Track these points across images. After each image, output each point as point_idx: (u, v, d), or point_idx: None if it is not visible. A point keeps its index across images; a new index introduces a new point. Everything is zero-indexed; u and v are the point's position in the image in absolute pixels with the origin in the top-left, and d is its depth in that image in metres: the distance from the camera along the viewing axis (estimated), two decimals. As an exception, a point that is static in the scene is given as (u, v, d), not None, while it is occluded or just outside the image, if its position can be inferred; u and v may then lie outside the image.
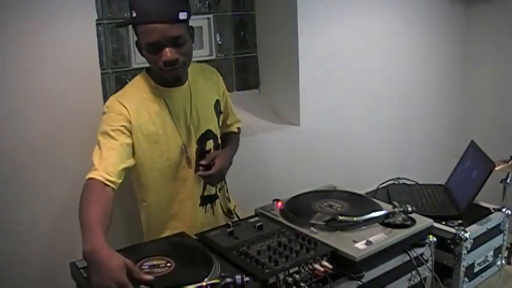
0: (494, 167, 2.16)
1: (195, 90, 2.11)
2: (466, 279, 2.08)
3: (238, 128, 2.44)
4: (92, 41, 2.25)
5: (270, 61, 3.16)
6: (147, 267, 1.60)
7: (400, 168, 2.75)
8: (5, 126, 2.08)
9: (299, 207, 2.06)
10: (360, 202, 2.10)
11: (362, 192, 2.29)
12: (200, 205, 2.17)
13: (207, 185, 2.16)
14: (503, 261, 2.31)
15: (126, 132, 1.94)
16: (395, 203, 1.96)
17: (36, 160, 2.16)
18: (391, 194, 2.38)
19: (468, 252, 2.04)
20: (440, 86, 3.89)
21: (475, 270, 2.15)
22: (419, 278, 1.92)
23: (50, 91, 2.15)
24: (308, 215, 1.95)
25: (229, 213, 2.32)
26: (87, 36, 2.23)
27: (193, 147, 2.11)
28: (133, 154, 1.97)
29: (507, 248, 2.37)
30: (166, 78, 1.98)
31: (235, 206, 2.37)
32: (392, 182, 2.53)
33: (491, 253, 2.22)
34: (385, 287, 1.84)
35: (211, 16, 2.97)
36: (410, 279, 1.91)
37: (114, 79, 2.70)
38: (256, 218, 2.00)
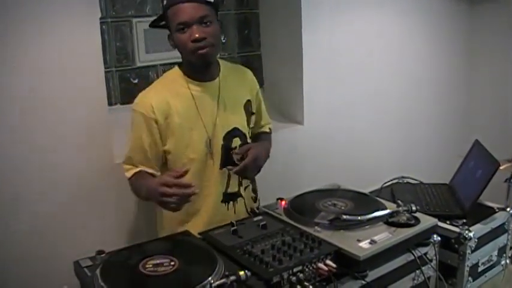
0: (499, 166, 2.15)
1: (224, 87, 2.17)
2: (470, 278, 2.08)
3: (270, 129, 2.48)
4: (96, 39, 2.25)
5: (274, 60, 3.16)
6: (150, 265, 1.59)
7: (404, 167, 2.75)
8: (6, 125, 2.08)
9: (303, 206, 2.06)
10: (364, 201, 2.09)
11: (366, 191, 2.28)
12: (222, 202, 2.19)
13: (231, 183, 2.19)
14: (508, 261, 2.30)
15: (155, 134, 2.06)
16: (399, 202, 1.95)
17: (37, 159, 2.15)
18: (395, 193, 2.37)
19: (472, 251, 2.03)
20: (445, 85, 3.88)
21: (479, 269, 2.14)
22: (423, 278, 1.92)
23: (53, 89, 2.15)
24: (312, 214, 1.95)
25: (252, 213, 2.29)
26: (91, 34, 2.23)
27: (219, 143, 2.14)
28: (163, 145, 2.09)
29: (511, 248, 2.36)
30: (197, 63, 2.05)
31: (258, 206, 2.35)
32: (396, 181, 2.52)
33: (496, 252, 2.22)
34: (389, 286, 1.83)
35: (214, 14, 2.96)
36: (414, 279, 1.91)
37: (118, 77, 2.71)
38: (260, 217, 2.00)
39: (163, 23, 2.11)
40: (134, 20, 2.70)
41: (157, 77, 2.81)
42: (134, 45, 2.71)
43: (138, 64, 2.75)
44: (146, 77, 2.80)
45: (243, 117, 2.23)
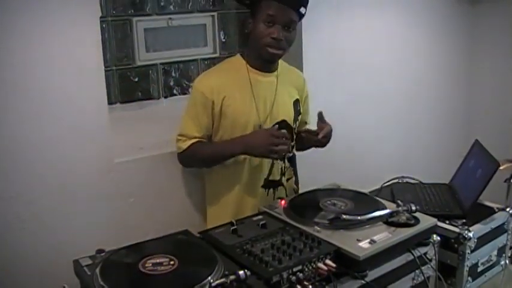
0: (499, 166, 2.15)
1: (280, 82, 2.32)
2: (469, 278, 2.08)
3: None
4: (96, 38, 2.25)
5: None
6: (150, 265, 1.60)
7: (404, 166, 2.75)
8: (6, 124, 2.08)
9: (303, 205, 2.06)
10: (363, 201, 2.09)
11: (366, 190, 2.28)
12: (262, 187, 2.31)
13: (273, 170, 2.32)
14: (507, 261, 2.31)
15: (209, 114, 2.21)
16: (399, 202, 1.95)
17: (39, 157, 2.15)
18: (395, 192, 2.37)
19: (472, 251, 2.04)
20: (445, 85, 3.88)
21: (479, 269, 2.15)
22: (423, 277, 1.92)
23: (53, 88, 2.15)
24: (312, 214, 1.95)
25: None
26: (91, 33, 2.22)
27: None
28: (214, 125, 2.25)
29: (511, 248, 2.36)
30: (264, 56, 2.22)
31: None
32: (396, 180, 2.52)
33: (495, 252, 2.22)
34: (389, 286, 1.83)
35: (215, 14, 2.96)
36: (414, 279, 1.91)
37: (118, 76, 2.70)
38: (260, 216, 2.00)
39: (248, 1, 2.31)
40: (134, 19, 2.69)
41: (158, 76, 2.81)
42: (134, 44, 2.71)
43: (138, 63, 2.74)
44: (146, 76, 2.79)
45: (291, 112, 2.36)
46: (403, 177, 2.54)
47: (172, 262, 1.61)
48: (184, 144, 2.24)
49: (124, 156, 2.37)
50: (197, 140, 2.23)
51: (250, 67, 2.27)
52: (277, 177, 2.34)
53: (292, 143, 2.37)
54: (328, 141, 2.30)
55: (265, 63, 2.27)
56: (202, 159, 2.28)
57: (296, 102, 2.39)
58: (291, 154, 2.38)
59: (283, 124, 2.30)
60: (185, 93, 2.84)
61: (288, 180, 2.40)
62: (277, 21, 2.14)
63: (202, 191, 2.48)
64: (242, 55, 2.33)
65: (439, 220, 1.99)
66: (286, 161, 2.36)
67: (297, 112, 2.40)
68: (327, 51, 3.08)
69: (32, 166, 2.15)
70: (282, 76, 2.33)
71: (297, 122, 2.42)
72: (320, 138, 2.22)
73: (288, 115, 2.34)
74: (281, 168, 2.35)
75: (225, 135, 2.24)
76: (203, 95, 2.20)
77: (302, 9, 2.20)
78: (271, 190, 2.33)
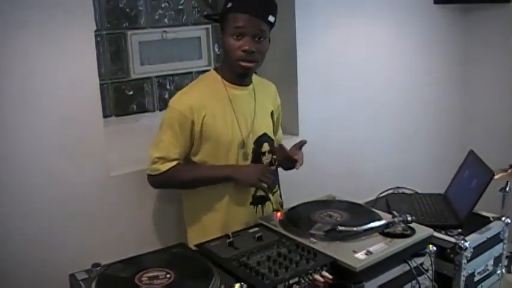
0: (494, 175, 2.16)
1: (257, 94, 2.28)
2: (466, 288, 2.08)
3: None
4: (91, 52, 2.25)
5: (268, 71, 3.16)
6: (146, 278, 1.59)
7: (399, 177, 2.75)
8: (3, 136, 2.08)
9: (298, 217, 2.06)
10: (359, 212, 2.09)
11: (361, 201, 2.28)
12: (251, 204, 2.25)
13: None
14: (504, 270, 2.31)
15: (188, 133, 2.13)
16: (394, 212, 1.95)
17: (32, 172, 2.15)
18: (390, 203, 2.37)
19: (468, 261, 2.03)
20: (439, 94, 3.89)
21: (475, 279, 2.14)
22: (419, 288, 1.92)
23: (48, 101, 2.15)
24: (308, 225, 1.95)
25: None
26: (86, 47, 2.23)
27: (251, 146, 2.23)
28: (193, 145, 2.17)
29: (507, 257, 2.36)
30: (237, 71, 2.15)
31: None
32: (391, 191, 2.52)
33: (491, 262, 2.22)
34: (386, 297, 1.83)
35: (209, 26, 2.98)
36: (410, 289, 1.91)
37: (113, 89, 2.71)
38: (256, 229, 2.00)
39: (216, 17, 2.24)
40: (129, 32, 2.70)
41: (153, 89, 2.82)
42: (129, 57, 2.72)
43: (133, 76, 2.75)
44: (141, 89, 2.80)
45: (270, 123, 2.34)
46: (398, 187, 2.54)
47: (168, 275, 1.60)
48: (164, 167, 2.13)
49: (119, 169, 2.37)
50: (177, 162, 2.15)
51: (226, 82, 2.20)
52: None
53: (274, 156, 2.34)
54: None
55: (240, 77, 2.20)
56: (182, 182, 2.20)
57: (272, 114, 2.37)
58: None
59: (265, 137, 2.27)
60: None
61: (273, 193, 2.34)
62: (246, 33, 2.08)
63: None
64: (216, 70, 2.25)
65: (435, 230, 1.99)
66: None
67: (272, 123, 2.37)
68: (321, 62, 3.08)
69: (26, 180, 2.14)
70: (257, 88, 2.29)
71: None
72: (297, 168, 2.23)
73: (268, 127, 2.32)
74: None
75: (207, 156, 2.17)
76: (182, 114, 2.10)
77: (271, 18, 2.13)
78: (260, 206, 2.28)
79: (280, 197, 2.43)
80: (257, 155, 2.24)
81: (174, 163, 2.14)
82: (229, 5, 2.10)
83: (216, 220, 2.22)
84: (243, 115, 2.21)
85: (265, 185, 2.12)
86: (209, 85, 2.21)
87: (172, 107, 2.14)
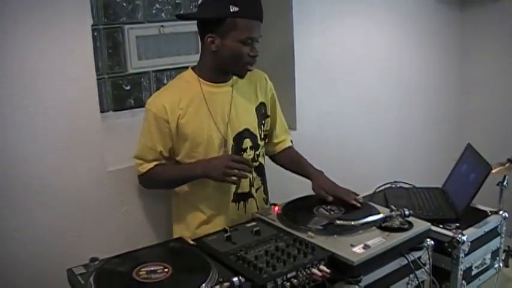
0: (491, 169, 2.16)
1: (236, 89, 2.23)
2: (463, 282, 2.08)
3: (291, 142, 2.50)
4: (88, 47, 2.24)
5: (266, 65, 3.15)
6: (144, 273, 1.59)
7: (397, 171, 2.75)
8: (0, 134, 2.07)
9: (296, 211, 2.06)
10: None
11: (359, 196, 2.28)
12: (233, 201, 2.23)
13: (242, 183, 2.23)
14: (501, 264, 2.31)
15: (166, 133, 2.13)
16: (392, 206, 1.96)
17: (29, 168, 2.14)
18: (388, 197, 2.37)
19: (466, 255, 2.04)
20: (438, 90, 3.90)
21: (473, 273, 2.15)
22: (417, 282, 1.92)
23: (45, 97, 2.14)
24: (305, 220, 1.95)
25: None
26: (83, 41, 2.22)
27: (230, 144, 2.19)
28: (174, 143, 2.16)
29: (504, 251, 2.37)
30: (240, 74, 2.16)
31: None
32: (389, 185, 2.53)
33: (489, 256, 2.22)
34: (383, 291, 1.84)
35: (206, 21, 2.97)
36: (408, 283, 1.91)
37: (110, 84, 2.70)
38: (254, 223, 2.00)
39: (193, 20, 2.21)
40: (126, 27, 2.69)
41: (150, 84, 2.82)
42: (126, 52, 2.71)
43: (130, 71, 2.74)
44: (138, 83, 2.80)
45: (254, 119, 2.27)
46: (396, 182, 2.55)
47: (166, 270, 1.60)
48: (143, 168, 2.18)
49: (116, 164, 2.36)
50: (155, 163, 2.17)
51: (203, 80, 2.17)
52: (247, 189, 2.26)
53: (257, 152, 2.29)
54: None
55: (221, 75, 2.18)
56: (163, 181, 2.23)
57: (260, 106, 2.31)
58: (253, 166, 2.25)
59: (246, 134, 2.23)
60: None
61: (257, 190, 2.31)
62: (255, 39, 2.10)
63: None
64: (193, 69, 2.22)
65: (432, 224, 2.00)
66: (253, 171, 2.27)
67: (262, 116, 2.32)
68: (318, 58, 3.08)
69: (24, 175, 2.13)
70: (239, 83, 2.23)
71: (264, 126, 2.34)
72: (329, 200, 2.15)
73: (250, 122, 2.25)
74: (249, 179, 2.25)
75: (187, 154, 2.16)
76: (156, 115, 2.11)
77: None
78: (242, 203, 2.26)
79: (266, 194, 2.39)
80: (237, 153, 2.21)
81: (152, 164, 2.17)
82: (235, 9, 2.02)
83: (199, 218, 2.22)
84: (219, 112, 2.18)
85: (234, 179, 2.07)
86: (184, 84, 2.19)
87: (148, 108, 2.15)
